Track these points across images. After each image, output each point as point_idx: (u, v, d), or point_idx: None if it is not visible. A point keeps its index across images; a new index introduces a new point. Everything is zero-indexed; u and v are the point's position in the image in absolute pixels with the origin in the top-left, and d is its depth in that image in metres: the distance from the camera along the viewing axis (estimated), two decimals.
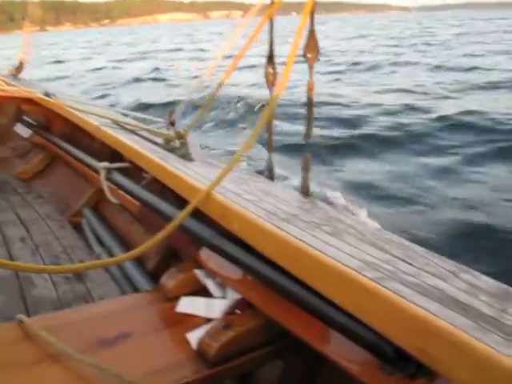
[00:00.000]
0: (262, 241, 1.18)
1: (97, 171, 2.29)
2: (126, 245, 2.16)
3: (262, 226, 1.17)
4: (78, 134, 2.88)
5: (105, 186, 2.08)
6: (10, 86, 3.26)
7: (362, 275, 0.93)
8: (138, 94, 10.95)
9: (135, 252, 1.37)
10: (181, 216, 1.32)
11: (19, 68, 4.04)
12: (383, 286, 0.89)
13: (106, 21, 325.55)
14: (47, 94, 3.01)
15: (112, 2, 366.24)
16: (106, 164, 2.09)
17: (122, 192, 2.06)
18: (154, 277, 1.84)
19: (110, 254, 2.12)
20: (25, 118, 3.75)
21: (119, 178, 2.04)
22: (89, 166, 2.48)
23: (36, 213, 2.63)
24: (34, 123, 3.56)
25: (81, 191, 2.75)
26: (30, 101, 3.17)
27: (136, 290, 1.82)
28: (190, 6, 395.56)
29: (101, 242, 2.27)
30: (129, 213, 2.25)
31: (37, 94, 3.08)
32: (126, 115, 2.98)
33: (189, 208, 1.33)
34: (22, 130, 3.80)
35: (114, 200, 2.10)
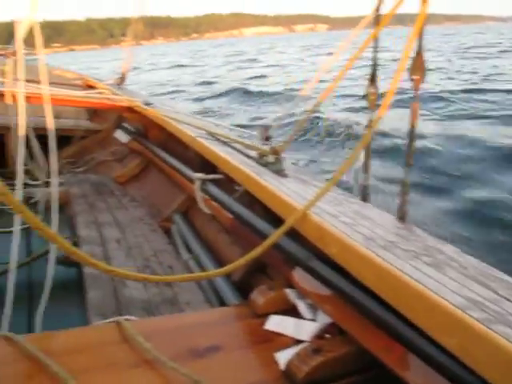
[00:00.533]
0: (360, 267, 1.14)
1: (190, 179, 2.36)
2: (213, 253, 2.21)
3: (361, 252, 1.14)
4: (172, 143, 3.01)
5: (198, 195, 2.14)
6: (113, 95, 3.52)
7: (468, 315, 0.87)
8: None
9: (227, 269, 1.38)
10: (276, 234, 1.32)
11: (122, 78, 4.34)
12: (491, 329, 0.83)
13: (195, 35, 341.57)
14: (146, 103, 3.20)
15: (201, 16, 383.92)
16: (201, 175, 2.15)
17: (214, 203, 2.10)
18: (239, 288, 1.87)
19: (197, 262, 2.18)
20: (124, 124, 4.02)
21: (212, 189, 2.09)
22: (182, 174, 2.57)
23: (130, 215, 2.77)
24: (133, 130, 3.79)
25: (172, 197, 2.85)
26: (130, 109, 3.38)
27: (221, 299, 1.85)
28: (275, 19, 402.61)
29: (189, 249, 2.34)
30: (217, 222, 2.30)
31: (136, 102, 3.28)
32: (218, 126, 3.08)
33: (284, 227, 1.33)
34: (121, 136, 4.05)
35: (206, 210, 2.15)
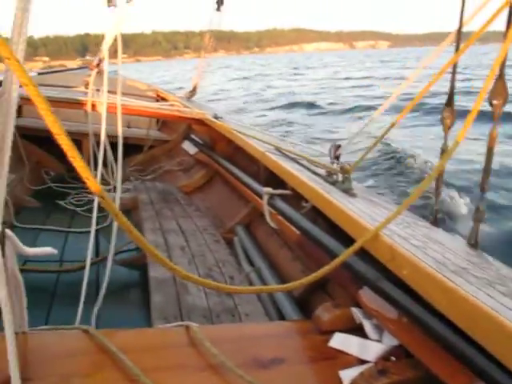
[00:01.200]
0: (432, 291, 1.13)
1: (256, 193, 2.40)
2: (274, 267, 2.23)
3: (433, 276, 1.13)
4: (238, 156, 3.08)
5: (266, 210, 2.16)
6: (184, 107, 3.66)
7: None
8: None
9: (291, 286, 1.38)
10: (346, 253, 1.33)
11: (193, 91, 4.48)
12: None
13: (256, 49, 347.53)
14: (215, 117, 3.29)
15: (262, 31, 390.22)
16: (269, 189, 2.17)
17: (279, 217, 2.11)
18: (299, 302, 1.87)
19: (258, 275, 2.21)
20: (193, 136, 4.16)
21: (280, 203, 2.10)
22: (248, 187, 2.61)
23: (194, 225, 2.84)
24: (200, 142, 3.91)
25: (236, 209, 2.91)
26: (199, 121, 3.49)
27: (280, 312, 1.86)
28: (337, 35, 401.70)
29: (250, 261, 2.38)
30: (280, 237, 2.32)
31: (206, 115, 3.38)
32: (286, 141, 3.13)
33: (355, 246, 1.33)
34: (188, 147, 4.20)
35: (272, 224, 2.17)
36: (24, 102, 1.10)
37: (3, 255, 0.88)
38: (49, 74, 5.16)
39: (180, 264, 2.22)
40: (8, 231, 0.95)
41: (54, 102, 3.39)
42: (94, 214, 1.97)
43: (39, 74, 5.16)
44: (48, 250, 1.11)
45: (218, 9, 3.83)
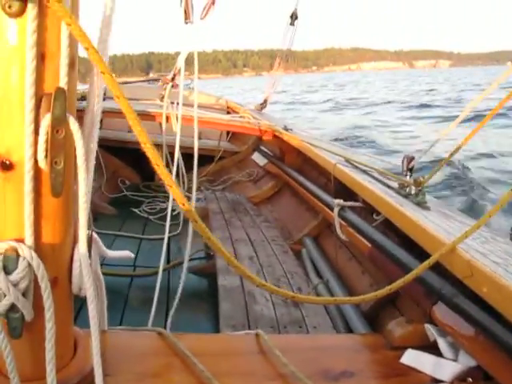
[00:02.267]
0: None
1: (326, 204, 2.39)
2: (342, 280, 2.21)
3: None
4: (307, 167, 3.10)
5: (336, 221, 2.14)
6: (254, 119, 3.74)
7: None
8: None
9: (363, 299, 1.36)
10: (421, 267, 1.30)
11: (263, 104, 4.60)
12: None
13: (314, 68, 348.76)
14: (286, 129, 3.34)
15: (320, 50, 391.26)
16: (340, 201, 2.15)
17: (350, 229, 2.09)
18: (367, 317, 1.84)
19: (327, 287, 2.19)
20: (262, 148, 4.23)
21: (351, 215, 2.08)
22: (317, 199, 2.60)
23: (263, 235, 2.85)
24: (270, 153, 3.97)
25: (305, 221, 2.92)
26: (269, 133, 3.57)
27: (347, 325, 1.84)
28: (396, 54, 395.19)
29: (318, 273, 2.37)
30: (348, 250, 2.30)
31: (276, 127, 3.45)
32: (356, 153, 3.11)
33: (431, 260, 1.30)
34: (258, 158, 4.29)
35: (342, 236, 2.15)
36: (104, 115, 1.18)
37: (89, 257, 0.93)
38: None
39: None
40: (94, 234, 1.00)
41: None
42: (168, 222, 2.05)
43: None
44: (126, 253, 1.17)
45: (292, 23, 3.88)
